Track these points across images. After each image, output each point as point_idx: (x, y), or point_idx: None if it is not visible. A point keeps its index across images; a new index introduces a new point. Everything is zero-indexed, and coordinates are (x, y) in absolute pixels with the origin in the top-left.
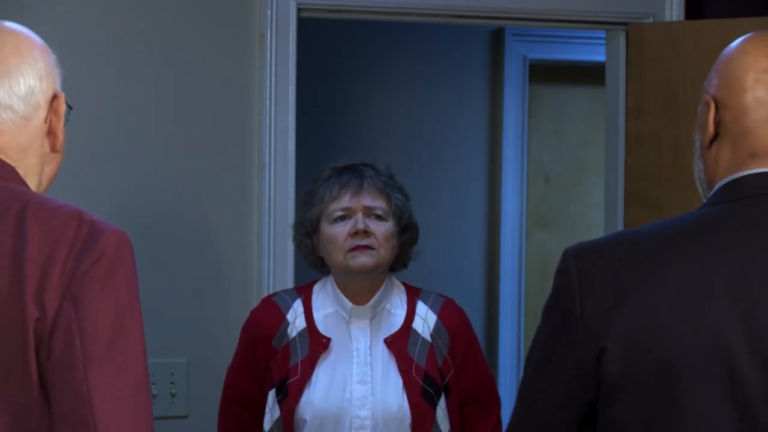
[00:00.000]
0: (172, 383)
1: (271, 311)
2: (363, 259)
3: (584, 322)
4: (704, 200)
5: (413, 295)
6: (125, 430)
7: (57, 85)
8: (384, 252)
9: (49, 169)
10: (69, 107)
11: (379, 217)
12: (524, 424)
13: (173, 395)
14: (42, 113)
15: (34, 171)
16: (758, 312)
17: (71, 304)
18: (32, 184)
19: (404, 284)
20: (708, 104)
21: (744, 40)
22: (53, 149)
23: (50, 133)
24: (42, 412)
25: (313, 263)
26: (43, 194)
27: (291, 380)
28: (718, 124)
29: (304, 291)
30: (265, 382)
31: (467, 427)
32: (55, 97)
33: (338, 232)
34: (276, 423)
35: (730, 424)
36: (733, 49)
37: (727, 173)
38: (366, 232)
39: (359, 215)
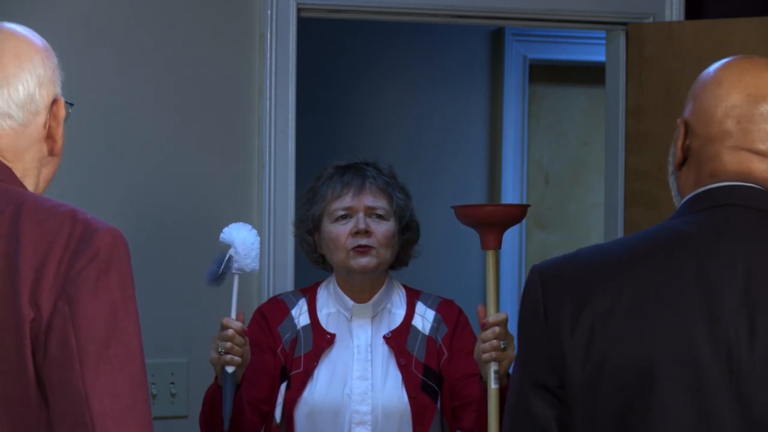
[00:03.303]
0: (172, 383)
1: (276, 304)
2: (364, 260)
3: (549, 330)
4: None
5: (413, 296)
6: (123, 429)
7: (57, 89)
8: (385, 252)
9: (47, 171)
10: (69, 104)
11: (380, 217)
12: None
13: (173, 395)
14: (41, 119)
15: (32, 173)
16: (720, 316)
17: (66, 304)
18: (29, 185)
19: (404, 286)
20: (680, 127)
21: (720, 67)
22: (51, 153)
23: (49, 137)
24: (40, 412)
25: (314, 260)
26: (38, 195)
27: (293, 372)
28: (687, 149)
29: (308, 292)
30: (275, 379)
31: (459, 410)
32: (54, 101)
33: (340, 231)
34: (281, 415)
35: (694, 429)
36: (710, 77)
37: (691, 190)
38: (367, 232)
39: (361, 215)
